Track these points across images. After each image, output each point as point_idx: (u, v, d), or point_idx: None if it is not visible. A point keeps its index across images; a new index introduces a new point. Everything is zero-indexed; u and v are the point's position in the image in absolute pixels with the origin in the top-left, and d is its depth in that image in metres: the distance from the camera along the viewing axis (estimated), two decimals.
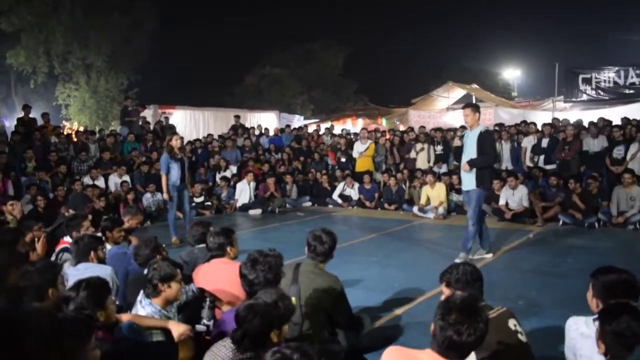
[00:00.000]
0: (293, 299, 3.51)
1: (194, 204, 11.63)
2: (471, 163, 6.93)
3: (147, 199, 11.78)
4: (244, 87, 33.97)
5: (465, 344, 2.07)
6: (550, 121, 13.94)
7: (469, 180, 7.11)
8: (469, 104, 7.55)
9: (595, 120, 12.87)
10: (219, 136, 16.42)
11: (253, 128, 18.00)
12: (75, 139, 13.93)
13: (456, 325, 2.06)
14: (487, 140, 6.99)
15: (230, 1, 39.47)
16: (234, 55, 37.11)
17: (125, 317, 3.15)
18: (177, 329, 3.16)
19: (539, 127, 13.03)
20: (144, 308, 3.34)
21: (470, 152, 6.98)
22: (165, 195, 8.92)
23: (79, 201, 10.32)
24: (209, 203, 12.44)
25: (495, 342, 2.70)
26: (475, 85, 22.57)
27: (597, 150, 11.44)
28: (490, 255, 7.38)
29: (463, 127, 11.70)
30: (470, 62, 39.81)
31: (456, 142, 7.35)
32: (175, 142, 8.94)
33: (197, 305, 3.65)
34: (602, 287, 2.82)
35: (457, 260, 6.47)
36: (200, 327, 3.28)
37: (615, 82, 17.71)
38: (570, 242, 8.47)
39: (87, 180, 11.64)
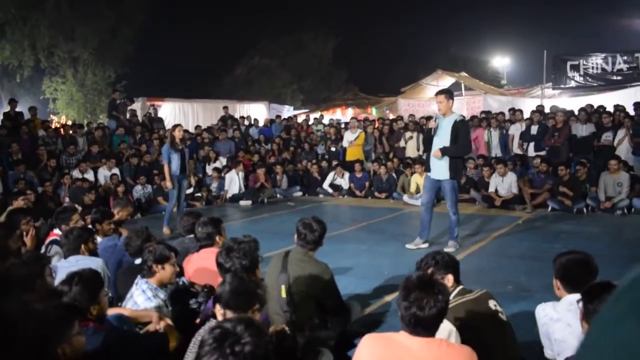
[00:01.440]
0: (282, 287, 3.54)
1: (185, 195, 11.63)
2: (444, 151, 6.73)
3: (138, 191, 11.76)
4: (233, 78, 33.81)
5: (429, 317, 2.22)
6: (536, 108, 14.04)
7: (440, 169, 6.86)
8: (442, 90, 7.40)
9: (584, 107, 12.97)
10: (208, 128, 16.37)
11: (243, 118, 17.95)
12: (63, 133, 13.84)
13: (417, 302, 2.21)
14: (462, 129, 6.83)
15: None
16: (223, 46, 36.86)
17: (112, 311, 3.16)
18: (159, 320, 3.18)
19: (528, 114, 13.12)
20: (140, 287, 3.38)
21: (443, 139, 6.79)
22: (169, 184, 9.01)
23: (79, 194, 10.40)
24: (199, 194, 12.43)
25: (477, 321, 2.80)
26: (464, 73, 22.61)
27: (585, 135, 11.54)
28: (426, 245, 7.16)
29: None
30: (459, 50, 39.88)
31: (431, 123, 7.14)
32: (177, 133, 9.12)
33: (188, 293, 3.68)
34: (560, 267, 3.00)
35: (447, 249, 6.57)
36: (193, 304, 3.31)
37: (603, 69, 17.81)
38: (558, 228, 8.56)
39: (76, 173, 11.59)
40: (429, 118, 14.14)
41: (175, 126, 9.48)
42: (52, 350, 1.99)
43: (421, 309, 2.20)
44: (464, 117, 7.38)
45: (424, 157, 12.67)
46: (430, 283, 2.28)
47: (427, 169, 7.12)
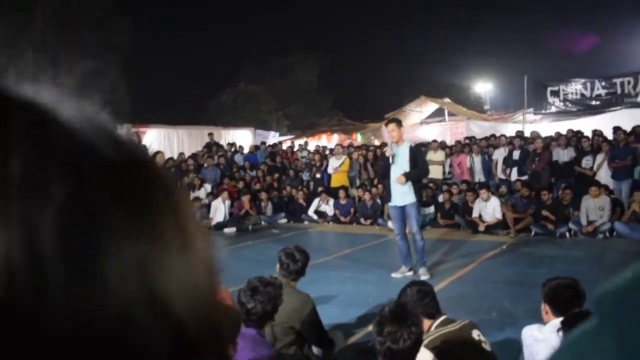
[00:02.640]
0: None
1: None
2: (408, 176, 6.82)
3: None
4: (219, 104, 33.89)
5: (404, 350, 2.21)
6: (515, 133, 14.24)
7: (405, 195, 6.91)
8: (392, 119, 7.44)
9: (564, 132, 13.17)
10: (193, 154, 16.34)
11: (228, 145, 17.94)
12: None
13: (391, 335, 2.21)
14: (419, 153, 7.09)
15: (204, 18, 39.58)
16: (208, 72, 37.16)
17: None
18: None
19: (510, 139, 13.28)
20: None
21: (402, 166, 6.87)
22: None
23: None
24: None
25: (460, 352, 2.79)
26: (447, 99, 22.90)
27: (566, 160, 11.70)
28: (411, 273, 7.13)
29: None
30: (443, 76, 40.47)
31: (388, 151, 7.16)
32: (158, 160, 8.99)
33: None
34: (549, 291, 3.06)
35: (422, 278, 6.56)
36: None
37: (582, 94, 18.13)
38: (542, 252, 8.61)
39: None
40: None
41: (156, 153, 9.44)
42: None
43: (395, 342, 2.20)
44: (414, 142, 7.68)
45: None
46: (403, 315, 2.28)
47: (388, 199, 7.17)
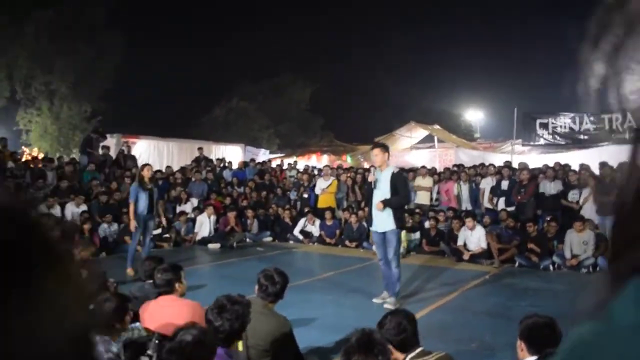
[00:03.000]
0: (240, 341, 3.45)
1: (151, 236, 11.44)
2: (387, 203, 6.77)
3: (104, 229, 11.53)
4: (211, 119, 33.91)
5: None
6: (503, 164, 14.33)
7: (384, 221, 6.86)
8: (377, 144, 7.42)
9: (551, 164, 13.28)
10: (181, 168, 16.27)
11: (218, 160, 17.90)
12: (32, 166, 13.61)
13: None
14: (400, 180, 6.95)
15: (199, 33, 39.76)
16: (201, 87, 37.21)
17: None
18: None
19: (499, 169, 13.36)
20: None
21: (383, 192, 6.84)
22: (132, 223, 8.83)
23: None
24: (167, 235, 12.23)
25: None
26: (437, 126, 23.04)
27: (552, 193, 11.77)
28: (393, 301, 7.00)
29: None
30: (434, 102, 40.84)
31: (370, 177, 7.16)
32: (146, 172, 9.07)
33: (143, 342, 3.56)
34: (525, 328, 3.04)
35: (387, 307, 6.52)
36: (143, 359, 3.19)
37: (571, 128, 18.32)
38: (525, 284, 8.59)
39: (42, 208, 11.33)
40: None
41: (144, 165, 9.41)
42: None
43: None
44: (400, 168, 7.52)
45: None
46: (369, 345, 2.28)
47: (370, 224, 7.15)
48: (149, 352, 3.21)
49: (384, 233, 6.92)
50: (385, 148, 7.13)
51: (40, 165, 13.77)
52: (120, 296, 3.57)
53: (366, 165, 18.22)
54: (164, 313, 3.85)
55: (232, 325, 3.07)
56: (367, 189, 7.12)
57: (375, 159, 7.05)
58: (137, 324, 3.83)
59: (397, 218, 6.85)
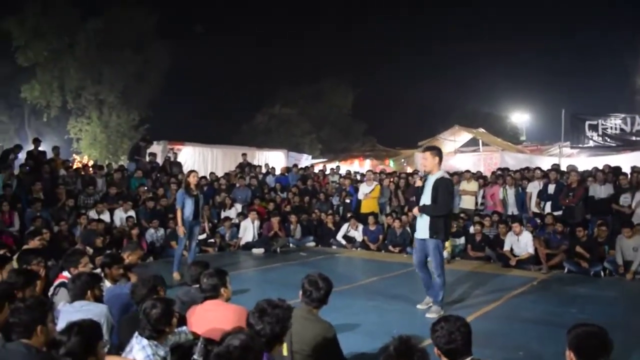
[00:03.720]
0: (284, 345, 3.48)
1: (197, 242, 11.65)
2: (422, 209, 6.62)
3: (151, 234, 11.82)
4: (253, 126, 34.32)
5: None
6: (552, 166, 13.97)
7: (422, 228, 6.73)
8: (429, 147, 7.11)
9: (601, 167, 12.88)
10: (226, 174, 16.52)
11: (260, 166, 18.12)
12: (83, 173, 14.07)
13: None
14: (442, 187, 6.60)
15: (241, 40, 40.21)
16: (244, 93, 37.69)
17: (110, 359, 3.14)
18: None
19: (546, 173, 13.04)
20: (140, 343, 3.36)
21: (426, 197, 6.69)
22: (180, 229, 9.00)
23: (91, 236, 10.42)
24: (212, 240, 12.43)
25: None
26: (481, 129, 22.71)
27: (603, 197, 11.40)
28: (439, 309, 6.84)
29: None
30: (479, 105, 40.17)
31: (417, 182, 6.92)
32: (192, 179, 9.22)
33: (190, 347, 3.63)
34: (575, 337, 2.92)
35: (429, 316, 6.44)
36: None
37: (621, 129, 17.73)
38: (574, 291, 8.34)
39: (92, 214, 11.71)
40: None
41: (190, 172, 9.60)
42: None
43: None
44: (447, 174, 7.08)
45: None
46: (408, 351, 2.27)
47: (414, 229, 6.98)
48: (195, 356, 3.27)
49: (423, 240, 6.79)
50: (436, 152, 6.88)
51: (90, 173, 14.23)
52: (167, 300, 3.65)
53: (409, 170, 18.07)
54: (210, 317, 3.92)
55: (273, 329, 3.10)
56: (415, 193, 6.94)
57: (424, 162, 6.83)
58: (184, 327, 3.91)
59: (432, 227, 6.60)
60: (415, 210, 6.68)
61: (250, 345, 2.54)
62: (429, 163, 6.75)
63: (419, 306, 7.00)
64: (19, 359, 2.87)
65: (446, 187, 6.71)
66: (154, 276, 4.47)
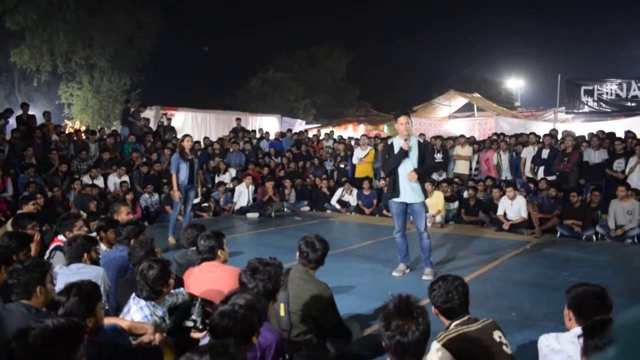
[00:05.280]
0: (282, 305, 3.51)
1: (192, 206, 11.66)
2: (418, 172, 6.54)
3: (146, 199, 11.81)
4: (247, 90, 34.03)
5: (413, 342, 2.21)
6: (549, 132, 13.96)
7: (414, 192, 6.64)
8: (404, 112, 6.86)
9: (595, 132, 12.88)
10: (219, 139, 16.43)
11: (254, 131, 18.00)
12: (75, 138, 13.95)
13: (399, 329, 2.21)
14: (428, 149, 6.75)
15: (235, 5, 39.59)
16: (237, 58, 37.29)
17: (108, 320, 3.15)
18: (153, 334, 3.16)
19: (540, 138, 13.05)
20: (138, 303, 3.38)
21: (412, 161, 6.59)
22: (176, 193, 9.00)
23: (85, 200, 10.40)
24: (206, 205, 12.44)
25: (480, 352, 2.74)
26: (476, 94, 22.60)
27: (597, 162, 11.45)
28: (408, 270, 6.99)
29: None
30: (474, 70, 39.96)
31: (404, 145, 6.61)
32: (186, 143, 9.19)
33: (188, 307, 3.65)
34: (575, 297, 2.93)
35: (425, 278, 6.51)
36: (188, 323, 3.27)
37: (617, 95, 17.69)
38: (567, 255, 8.43)
39: (86, 179, 11.66)
40: (438, 137, 14.19)
41: (184, 136, 9.54)
42: None
43: (404, 335, 2.20)
44: (422, 136, 7.02)
45: (433, 176, 12.76)
46: (408, 308, 2.27)
47: (396, 194, 6.72)
48: (193, 316, 3.29)
49: (410, 205, 6.71)
50: (409, 116, 6.79)
51: (83, 138, 14.12)
52: (164, 261, 3.66)
53: None
54: (207, 279, 3.94)
55: (266, 286, 3.14)
56: (396, 159, 6.66)
57: (404, 126, 6.57)
58: (181, 289, 3.93)
59: (423, 188, 6.71)
60: (414, 174, 6.53)
61: (256, 305, 2.56)
62: (407, 127, 6.59)
63: (394, 273, 6.92)
64: (19, 318, 2.88)
65: (432, 147, 6.82)
66: (152, 239, 4.48)
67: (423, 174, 6.68)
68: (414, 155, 6.62)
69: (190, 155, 9.19)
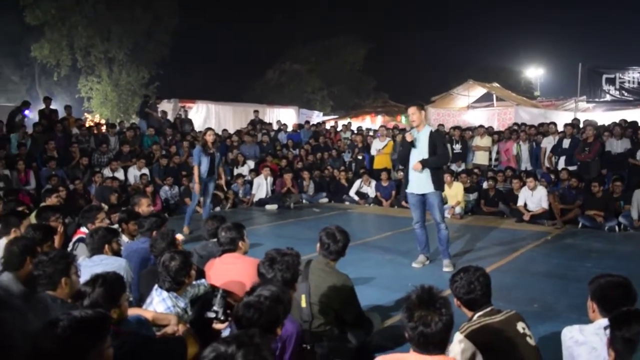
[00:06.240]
0: (303, 296, 3.52)
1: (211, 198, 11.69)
2: (424, 163, 6.53)
3: (165, 191, 11.90)
4: (264, 82, 34.06)
5: (437, 333, 2.20)
6: (571, 121, 13.77)
7: (423, 183, 6.64)
8: (414, 103, 6.88)
9: (617, 121, 12.66)
10: (237, 131, 16.49)
11: (271, 123, 18.02)
12: (96, 132, 14.10)
13: (422, 319, 2.20)
14: (439, 139, 6.69)
15: None
16: (255, 51, 37.30)
17: (132, 311, 3.19)
18: (177, 325, 3.19)
19: (560, 128, 12.88)
20: (160, 295, 3.41)
21: (421, 152, 6.59)
22: (197, 186, 9.04)
23: (106, 193, 10.53)
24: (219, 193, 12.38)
25: (503, 344, 2.72)
26: (495, 84, 22.33)
27: (619, 152, 11.27)
28: (428, 262, 7.01)
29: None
30: (492, 60, 39.45)
31: (409, 136, 6.68)
32: (209, 137, 9.22)
33: (209, 298, 3.68)
34: (598, 288, 2.88)
35: (445, 269, 6.53)
36: (209, 314, 3.30)
37: (639, 83, 17.37)
38: (589, 246, 8.32)
39: (106, 172, 11.79)
40: (457, 128, 14.07)
41: (207, 129, 9.57)
42: None
43: (427, 326, 2.19)
44: (437, 128, 7.05)
45: (452, 167, 12.67)
46: (431, 299, 2.26)
47: (406, 185, 6.86)
48: (215, 307, 3.31)
49: (423, 195, 6.73)
50: (421, 106, 6.83)
51: (103, 131, 14.27)
52: (185, 252, 3.69)
53: None
54: (228, 270, 3.97)
55: (284, 276, 3.16)
56: (405, 150, 6.74)
57: (412, 117, 6.64)
58: (203, 280, 3.96)
59: (435, 180, 6.63)
60: (418, 165, 6.54)
61: (281, 297, 2.57)
62: (416, 118, 6.63)
63: (414, 264, 6.92)
64: (45, 308, 2.92)
65: (442, 138, 6.91)
66: (172, 230, 4.52)
67: (432, 165, 6.60)
68: (422, 146, 6.62)
69: (212, 148, 9.22)
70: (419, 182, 6.66)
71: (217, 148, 9.93)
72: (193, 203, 9.45)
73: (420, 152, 6.61)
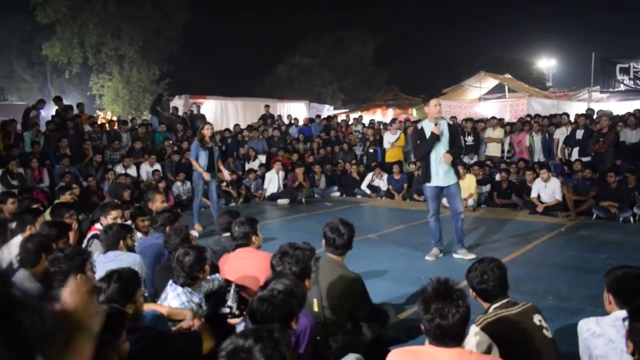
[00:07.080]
0: (314, 301, 3.50)
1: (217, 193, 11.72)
2: (452, 154, 6.55)
3: (178, 187, 11.96)
4: (274, 77, 34.04)
5: (453, 325, 2.19)
6: (584, 112, 13.62)
7: (449, 174, 6.66)
8: (434, 95, 6.94)
9: (632, 111, 12.51)
10: (248, 126, 16.52)
11: (280, 117, 18.03)
12: (108, 129, 14.19)
13: (439, 312, 2.19)
14: (458, 132, 6.76)
15: None
16: (264, 45, 37.27)
17: (147, 307, 3.21)
18: (192, 320, 3.20)
19: (573, 118, 12.75)
20: (175, 290, 3.43)
21: (444, 144, 6.58)
22: (206, 175, 8.97)
23: (119, 189, 10.58)
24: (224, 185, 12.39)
25: (520, 336, 2.71)
26: (507, 75, 22.14)
27: (634, 142, 11.14)
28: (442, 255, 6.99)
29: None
30: (504, 51, 39.13)
31: (436, 129, 6.54)
32: (206, 132, 9.13)
33: (223, 293, 3.69)
34: (614, 280, 2.83)
35: (456, 256, 6.63)
36: (224, 310, 3.31)
37: None
38: (603, 237, 8.24)
39: (119, 169, 11.86)
40: (469, 120, 13.97)
41: (204, 124, 9.58)
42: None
43: (444, 318, 2.18)
44: (455, 118, 7.14)
45: (465, 159, 12.58)
46: (447, 291, 2.25)
47: (428, 179, 6.73)
48: (229, 302, 3.32)
49: (446, 187, 6.73)
50: (439, 99, 6.88)
51: (115, 128, 14.35)
52: (199, 247, 3.70)
53: None
54: (242, 265, 3.98)
55: (292, 269, 3.15)
56: (427, 144, 6.62)
57: (435, 109, 6.57)
58: (217, 275, 3.98)
59: (456, 170, 6.76)
60: (448, 157, 6.51)
61: (294, 290, 2.57)
62: (440, 109, 6.68)
63: (427, 257, 6.90)
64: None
65: (458, 130, 7.06)
66: (186, 226, 4.54)
67: (455, 157, 6.70)
68: (445, 138, 6.62)
69: (210, 143, 9.16)
70: (446, 174, 6.66)
71: (216, 143, 9.90)
72: (197, 200, 9.40)
73: (443, 144, 6.62)
